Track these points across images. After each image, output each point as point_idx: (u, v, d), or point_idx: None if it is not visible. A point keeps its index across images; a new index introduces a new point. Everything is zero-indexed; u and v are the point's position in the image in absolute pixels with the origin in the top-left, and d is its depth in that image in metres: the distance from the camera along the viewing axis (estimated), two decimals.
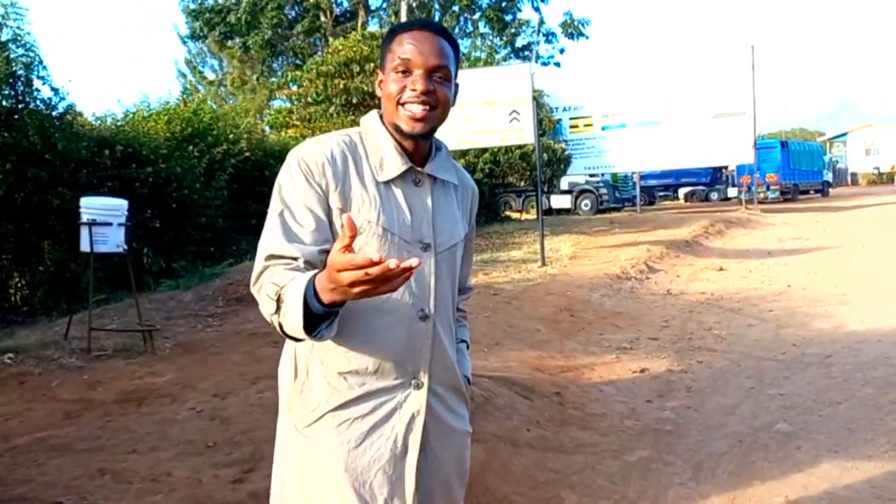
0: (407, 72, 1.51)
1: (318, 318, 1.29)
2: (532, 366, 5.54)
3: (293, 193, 1.48)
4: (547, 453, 3.88)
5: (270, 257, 1.42)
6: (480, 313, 7.15)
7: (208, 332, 6.26)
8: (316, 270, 1.31)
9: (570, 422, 4.41)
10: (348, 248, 1.17)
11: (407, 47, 1.51)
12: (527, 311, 7.48)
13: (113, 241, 5.73)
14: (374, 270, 1.13)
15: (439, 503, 1.62)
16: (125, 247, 5.88)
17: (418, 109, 1.51)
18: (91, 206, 5.72)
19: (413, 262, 1.14)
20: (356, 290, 1.18)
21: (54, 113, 8.32)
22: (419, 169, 1.58)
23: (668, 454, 3.92)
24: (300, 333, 1.30)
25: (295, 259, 1.41)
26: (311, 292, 1.27)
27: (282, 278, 1.35)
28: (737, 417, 4.49)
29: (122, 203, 5.96)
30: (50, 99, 8.33)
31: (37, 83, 8.18)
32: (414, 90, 1.50)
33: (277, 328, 1.36)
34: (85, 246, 5.66)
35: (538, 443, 3.98)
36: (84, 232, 5.65)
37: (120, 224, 5.81)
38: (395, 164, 1.54)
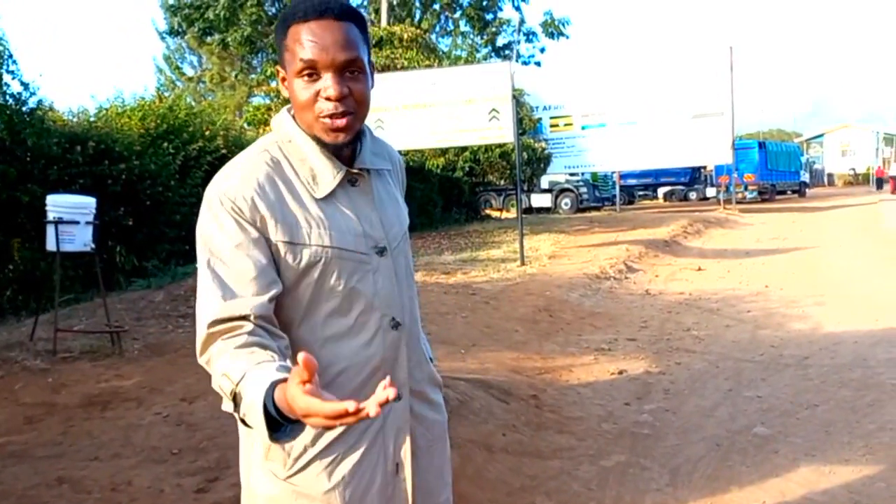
0: (313, 74, 1.30)
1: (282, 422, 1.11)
2: (509, 367, 5.47)
3: (221, 238, 1.28)
4: (523, 458, 3.81)
5: (213, 323, 1.23)
6: (458, 313, 7.08)
7: (179, 332, 6.13)
8: (272, 375, 1.10)
9: (546, 426, 4.34)
10: (309, 382, 0.99)
11: (307, 45, 1.29)
12: (505, 311, 7.42)
13: (80, 240, 5.58)
14: (348, 420, 0.98)
15: (438, 495, 1.57)
16: (93, 246, 5.73)
17: (339, 121, 1.32)
18: (58, 204, 5.57)
19: (390, 393, 0.96)
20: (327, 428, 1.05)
21: (24, 108, 8.12)
22: (353, 170, 1.40)
23: (646, 458, 3.87)
24: (266, 438, 1.12)
25: (244, 318, 1.22)
26: (270, 403, 1.08)
27: (232, 367, 1.16)
28: (714, 420, 4.45)
29: (90, 201, 5.81)
30: (20, 94, 8.12)
31: (6, 78, 7.99)
32: (328, 98, 1.30)
33: (238, 421, 1.20)
34: (51, 245, 5.51)
35: (514, 448, 3.91)
36: (50, 230, 5.50)
37: (87, 222, 5.66)
38: (329, 176, 1.37)
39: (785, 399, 4.74)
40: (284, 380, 1.06)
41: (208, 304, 1.25)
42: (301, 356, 0.99)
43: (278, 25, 1.36)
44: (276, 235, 1.31)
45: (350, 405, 0.96)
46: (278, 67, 1.40)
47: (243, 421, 1.16)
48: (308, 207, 1.35)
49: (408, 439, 1.48)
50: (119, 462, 3.45)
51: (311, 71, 1.30)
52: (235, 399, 1.15)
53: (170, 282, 7.75)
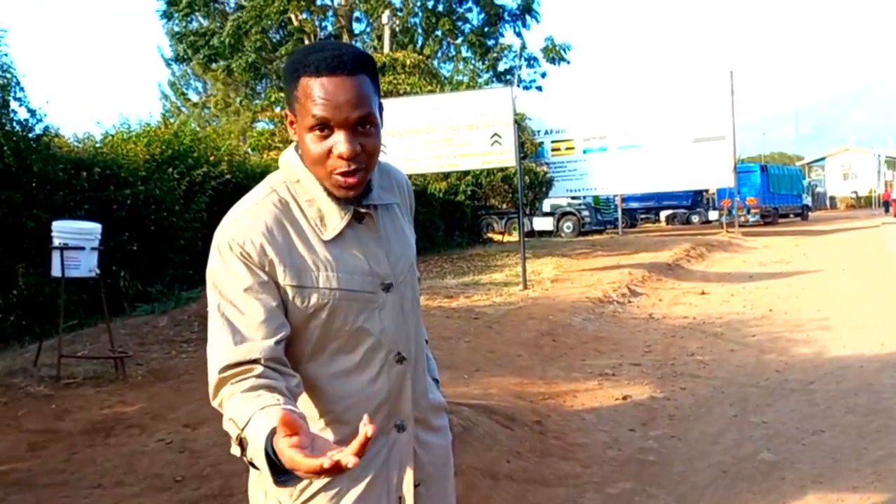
0: (325, 129, 1.31)
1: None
2: (513, 393, 5.45)
3: (232, 284, 1.31)
4: (527, 486, 3.79)
5: (224, 368, 1.25)
6: (461, 338, 7.07)
7: (182, 358, 6.12)
8: (272, 421, 1.10)
9: (551, 452, 4.32)
10: (295, 434, 1.02)
11: (319, 102, 1.29)
12: (508, 335, 7.40)
13: (85, 265, 5.60)
14: (329, 473, 1.01)
15: None
16: (98, 271, 5.75)
17: (351, 179, 1.33)
18: (63, 230, 5.59)
19: (368, 431, 1.00)
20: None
21: (31, 135, 8.18)
22: (360, 209, 1.41)
23: (652, 486, 3.84)
24: (271, 483, 1.15)
25: (254, 362, 1.25)
26: (271, 449, 1.10)
27: (239, 412, 1.18)
28: (720, 447, 4.42)
29: (96, 227, 5.84)
30: (27, 120, 8.18)
31: (13, 104, 8.06)
32: (341, 157, 1.31)
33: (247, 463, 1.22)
34: (56, 271, 5.53)
35: (518, 475, 3.89)
36: (55, 256, 5.51)
37: (93, 248, 5.68)
38: (337, 218, 1.38)
39: (791, 425, 4.72)
40: None
41: (219, 350, 1.28)
42: (280, 417, 1.02)
43: (288, 72, 1.35)
44: (285, 279, 1.33)
45: (325, 461, 0.99)
46: (287, 111, 1.40)
47: (251, 464, 1.19)
48: (316, 250, 1.36)
49: (410, 472, 1.48)
50: (122, 490, 3.44)
51: (324, 126, 1.31)
52: (242, 443, 1.17)
53: (174, 307, 7.75)
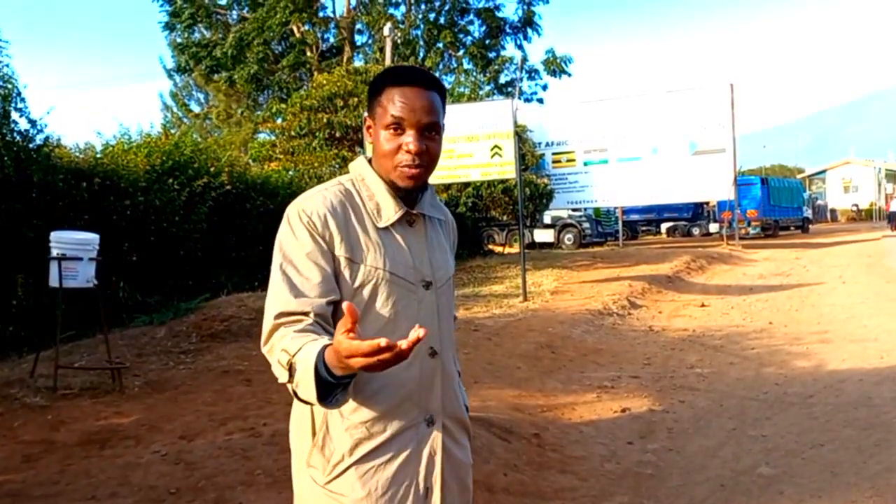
0: (399, 129, 1.54)
1: (332, 385, 1.31)
2: (511, 405, 5.43)
3: (296, 247, 1.51)
4: (525, 499, 3.77)
5: (280, 315, 1.44)
6: (461, 350, 7.03)
7: (180, 369, 6.10)
8: (326, 341, 1.32)
9: (548, 465, 4.30)
10: (352, 330, 1.19)
11: (398, 105, 1.53)
12: (507, 347, 7.38)
13: (83, 276, 5.59)
14: (384, 356, 1.17)
15: None
16: (95, 282, 5.74)
17: (414, 170, 1.55)
18: (61, 240, 5.59)
19: (420, 332, 1.17)
20: (369, 370, 1.21)
21: (31, 145, 8.20)
22: (412, 211, 1.62)
23: (649, 500, 3.82)
24: (315, 403, 1.33)
25: (305, 314, 1.44)
26: (321, 364, 1.29)
27: (291, 343, 1.36)
28: (719, 460, 4.40)
29: (94, 237, 5.83)
30: (27, 131, 8.21)
31: (14, 115, 8.08)
32: (409, 152, 1.53)
33: (291, 394, 1.39)
34: (54, 281, 5.52)
35: (515, 488, 3.86)
36: (53, 267, 5.51)
37: (91, 259, 5.67)
38: (392, 210, 1.58)
39: (790, 438, 4.69)
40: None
41: (277, 299, 1.47)
42: (346, 304, 1.21)
43: (375, 84, 1.60)
44: (341, 251, 1.52)
45: (382, 341, 1.16)
46: (366, 117, 1.63)
47: (296, 394, 1.36)
48: (370, 233, 1.56)
49: (439, 466, 1.58)
50: (116, 502, 3.42)
51: (398, 126, 1.54)
52: (291, 370, 1.34)
53: (172, 318, 7.73)
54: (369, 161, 1.64)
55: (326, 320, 1.47)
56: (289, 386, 1.37)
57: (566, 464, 4.34)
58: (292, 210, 1.55)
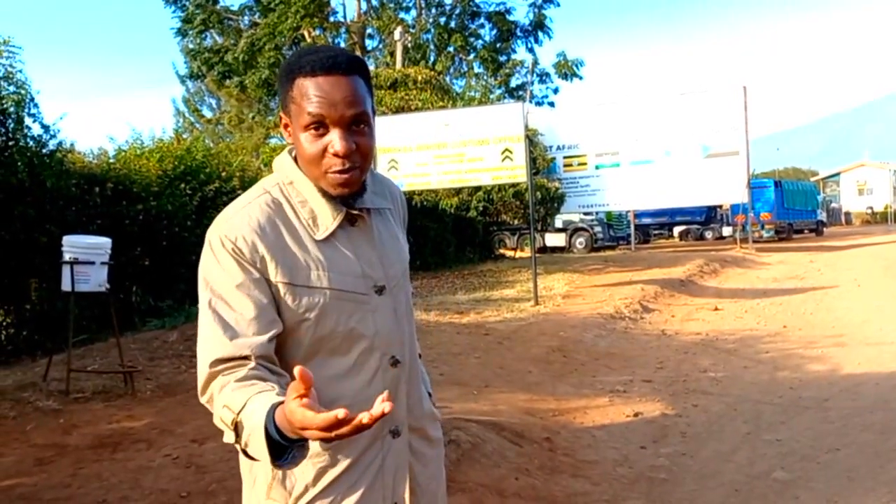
0: (320, 128, 1.32)
1: (284, 446, 1.13)
2: (522, 409, 5.40)
3: (222, 279, 1.31)
4: (536, 503, 3.74)
5: (216, 362, 1.25)
6: (471, 354, 7.03)
7: (192, 373, 6.11)
8: (274, 395, 1.15)
9: (560, 469, 4.26)
10: (305, 395, 1.01)
11: (315, 100, 1.31)
12: (518, 351, 7.35)
13: (95, 280, 5.62)
14: (341, 430, 1.00)
15: None
16: (107, 286, 5.76)
17: (345, 176, 1.34)
18: (73, 244, 5.62)
19: (386, 407, 1.00)
20: (325, 442, 1.05)
21: (44, 150, 8.27)
22: (353, 211, 1.41)
23: None
24: (268, 464, 1.15)
25: (245, 358, 1.25)
26: (271, 425, 1.10)
27: (233, 398, 1.19)
28: (733, 465, 4.35)
29: (106, 241, 5.86)
30: (40, 136, 8.28)
31: (28, 120, 8.15)
32: (336, 154, 1.32)
33: (239, 451, 1.22)
34: (66, 285, 5.55)
35: (527, 492, 3.84)
36: (66, 271, 5.54)
37: (103, 263, 5.70)
38: (329, 218, 1.38)
39: (805, 443, 4.64)
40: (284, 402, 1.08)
41: (210, 344, 1.27)
42: (297, 369, 1.01)
43: (283, 75, 1.37)
44: (277, 277, 1.32)
45: (340, 412, 0.98)
46: (281, 114, 1.41)
47: (245, 452, 1.18)
48: (308, 249, 1.36)
49: (406, 477, 1.48)
50: None
51: (319, 125, 1.32)
52: (237, 429, 1.17)
53: (184, 322, 7.76)
54: (295, 158, 1.41)
55: (270, 360, 1.28)
56: (236, 446, 1.19)
57: (578, 468, 4.30)
58: (213, 236, 1.34)
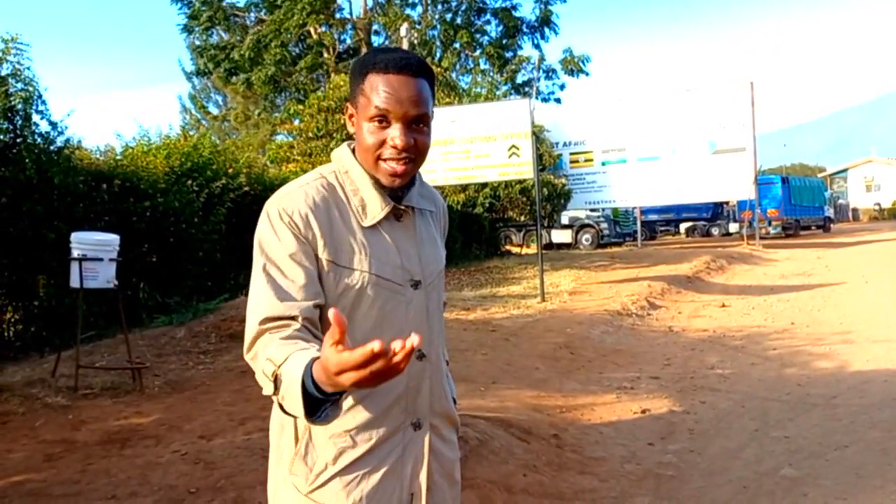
0: (384, 121, 1.41)
1: (320, 401, 1.18)
2: (530, 406, 5.40)
3: (278, 247, 1.40)
4: (544, 500, 3.74)
5: (266, 320, 1.33)
6: (478, 350, 7.03)
7: (199, 369, 6.14)
8: (314, 351, 1.20)
9: (568, 466, 4.26)
10: (340, 342, 1.05)
11: (383, 95, 1.40)
12: (525, 348, 7.35)
13: (103, 276, 5.64)
14: (377, 365, 1.03)
15: None
16: (116, 283, 5.78)
17: (400, 167, 1.43)
18: (82, 241, 5.64)
19: (414, 340, 1.03)
20: (361, 385, 1.07)
21: (52, 147, 8.29)
22: (400, 206, 1.51)
23: (670, 501, 3.78)
24: (302, 418, 1.20)
25: (292, 318, 1.33)
26: (308, 379, 1.15)
27: (277, 352, 1.25)
28: (741, 462, 4.34)
29: (114, 238, 5.88)
30: (48, 133, 8.30)
31: (35, 117, 8.17)
32: (395, 147, 1.41)
33: (277, 406, 1.28)
34: (75, 282, 5.57)
35: (535, 489, 3.83)
36: (74, 268, 5.56)
37: (111, 259, 5.72)
38: (378, 207, 1.48)
39: (813, 440, 4.62)
40: None
41: (261, 303, 1.35)
42: (332, 312, 1.05)
43: (357, 68, 1.46)
44: (324, 253, 1.42)
45: (375, 345, 1.01)
46: (348, 104, 1.50)
47: (282, 407, 1.25)
48: (354, 233, 1.45)
49: (425, 470, 1.52)
50: (136, 501, 3.43)
51: (383, 118, 1.41)
52: (276, 382, 1.23)
53: (191, 318, 7.78)
54: (353, 150, 1.52)
55: (314, 324, 1.37)
56: (274, 398, 1.26)
57: (586, 465, 4.30)
58: (272, 207, 1.44)
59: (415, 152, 1.43)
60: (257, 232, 1.44)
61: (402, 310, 1.48)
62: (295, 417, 1.28)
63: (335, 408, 1.21)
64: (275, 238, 1.40)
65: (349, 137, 1.54)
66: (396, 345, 1.02)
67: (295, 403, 1.18)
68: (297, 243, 1.39)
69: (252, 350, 1.34)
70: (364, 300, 1.43)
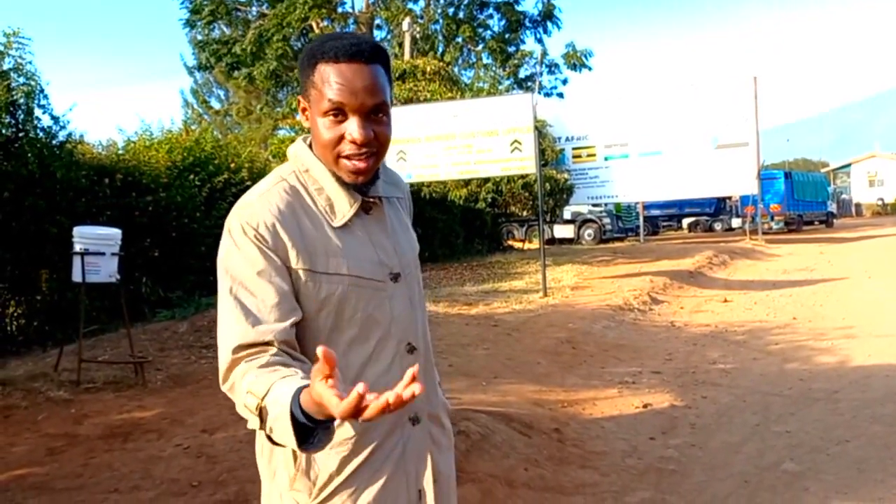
0: (339, 114, 1.32)
1: (310, 428, 1.12)
2: (531, 400, 5.41)
3: (243, 265, 1.30)
4: (545, 494, 3.74)
5: (238, 349, 1.25)
6: (480, 345, 7.04)
7: (202, 363, 6.14)
8: (298, 379, 1.15)
9: (569, 460, 4.27)
10: (330, 376, 1.00)
11: (336, 86, 1.30)
12: (527, 342, 7.35)
13: (105, 271, 5.65)
14: (370, 413, 0.98)
15: None
16: (118, 277, 5.79)
17: (361, 163, 1.34)
18: (84, 235, 5.65)
19: (416, 389, 0.98)
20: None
21: (54, 142, 8.30)
22: (368, 198, 1.42)
23: (671, 495, 3.78)
24: (295, 447, 1.14)
25: (267, 344, 1.25)
26: (297, 408, 1.09)
27: (257, 384, 1.18)
28: (742, 456, 4.34)
29: (116, 232, 5.89)
30: (50, 127, 8.31)
31: (37, 112, 8.18)
32: (354, 142, 1.32)
33: (265, 438, 1.22)
34: (77, 276, 5.58)
35: (536, 483, 3.84)
36: (76, 262, 5.57)
37: (113, 254, 5.73)
38: (346, 205, 1.39)
39: (815, 434, 4.62)
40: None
41: (232, 331, 1.27)
42: (320, 349, 0.99)
43: (305, 59, 1.36)
44: (297, 263, 1.32)
45: (360, 387, 0.95)
46: (300, 98, 1.40)
47: (270, 438, 1.18)
48: (327, 236, 1.36)
49: (429, 465, 1.49)
50: (138, 495, 3.44)
51: (338, 111, 1.32)
52: (262, 415, 1.16)
53: (194, 312, 7.79)
54: (311, 145, 1.42)
55: (292, 345, 1.29)
56: (261, 431, 1.19)
57: (587, 459, 4.31)
58: (234, 222, 1.33)
59: (376, 145, 1.35)
60: (220, 252, 1.34)
61: (387, 307, 1.42)
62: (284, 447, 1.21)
63: (327, 433, 1.16)
64: (239, 255, 1.31)
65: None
66: (390, 396, 0.97)
67: (285, 435, 1.12)
68: (264, 258, 1.30)
69: (228, 381, 1.26)
70: (347, 305, 1.36)
